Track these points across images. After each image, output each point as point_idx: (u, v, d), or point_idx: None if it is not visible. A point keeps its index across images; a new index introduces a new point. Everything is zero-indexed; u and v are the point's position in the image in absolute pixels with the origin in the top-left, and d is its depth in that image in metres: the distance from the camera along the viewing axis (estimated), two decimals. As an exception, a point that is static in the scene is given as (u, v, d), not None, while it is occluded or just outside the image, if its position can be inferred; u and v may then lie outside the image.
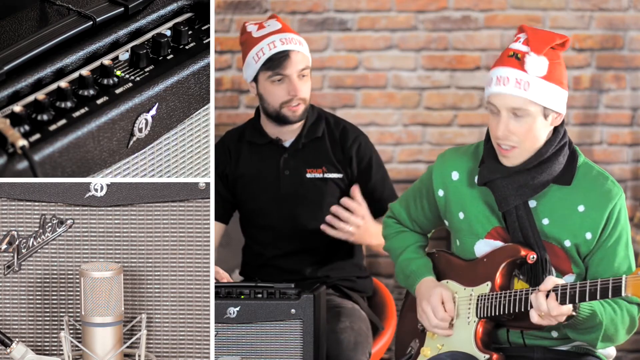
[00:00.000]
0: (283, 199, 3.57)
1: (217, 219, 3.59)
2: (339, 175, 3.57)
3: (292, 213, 3.57)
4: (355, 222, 3.48)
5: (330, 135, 3.59)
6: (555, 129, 2.82)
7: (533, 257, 2.81)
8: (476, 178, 2.89)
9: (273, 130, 3.57)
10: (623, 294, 2.58)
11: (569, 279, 2.84)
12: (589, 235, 2.81)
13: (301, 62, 3.48)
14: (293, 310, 3.18)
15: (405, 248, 3.07)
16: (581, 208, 2.81)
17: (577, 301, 2.65)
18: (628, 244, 2.83)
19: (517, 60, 2.75)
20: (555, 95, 2.76)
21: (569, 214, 2.81)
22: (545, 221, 2.83)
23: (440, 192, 2.96)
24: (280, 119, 3.51)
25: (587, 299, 2.64)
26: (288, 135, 3.57)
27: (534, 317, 2.70)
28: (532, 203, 2.84)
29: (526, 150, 2.79)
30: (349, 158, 3.57)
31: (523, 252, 2.82)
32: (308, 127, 3.56)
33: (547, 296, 2.67)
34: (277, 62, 3.46)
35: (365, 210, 3.49)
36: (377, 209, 3.59)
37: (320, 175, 3.56)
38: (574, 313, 2.68)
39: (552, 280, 2.69)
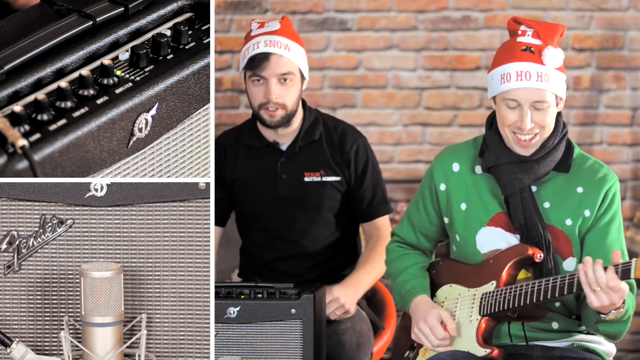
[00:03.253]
0: (281, 203, 3.55)
1: (213, 222, 3.58)
2: (337, 178, 3.55)
3: (290, 217, 3.55)
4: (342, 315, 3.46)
5: (328, 137, 3.57)
6: (556, 119, 2.89)
7: (540, 256, 2.82)
8: (477, 167, 2.94)
9: (269, 134, 3.54)
10: (632, 276, 2.60)
11: (570, 262, 2.87)
12: (587, 213, 2.86)
13: (283, 67, 3.42)
14: (293, 310, 3.18)
15: (404, 270, 3.06)
16: (580, 189, 2.88)
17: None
18: (620, 229, 2.88)
19: (532, 54, 2.82)
20: (563, 82, 2.86)
21: (569, 195, 2.88)
22: (547, 204, 2.88)
23: (442, 186, 2.98)
24: (261, 121, 3.50)
25: None
26: (285, 138, 3.55)
27: (591, 297, 2.64)
28: (533, 188, 2.89)
29: (543, 138, 2.86)
30: (348, 161, 3.56)
31: (530, 251, 2.83)
32: (305, 130, 3.54)
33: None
34: (256, 63, 3.42)
35: (340, 299, 3.44)
36: (365, 215, 3.59)
37: (319, 179, 3.55)
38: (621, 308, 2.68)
39: (618, 254, 2.66)
